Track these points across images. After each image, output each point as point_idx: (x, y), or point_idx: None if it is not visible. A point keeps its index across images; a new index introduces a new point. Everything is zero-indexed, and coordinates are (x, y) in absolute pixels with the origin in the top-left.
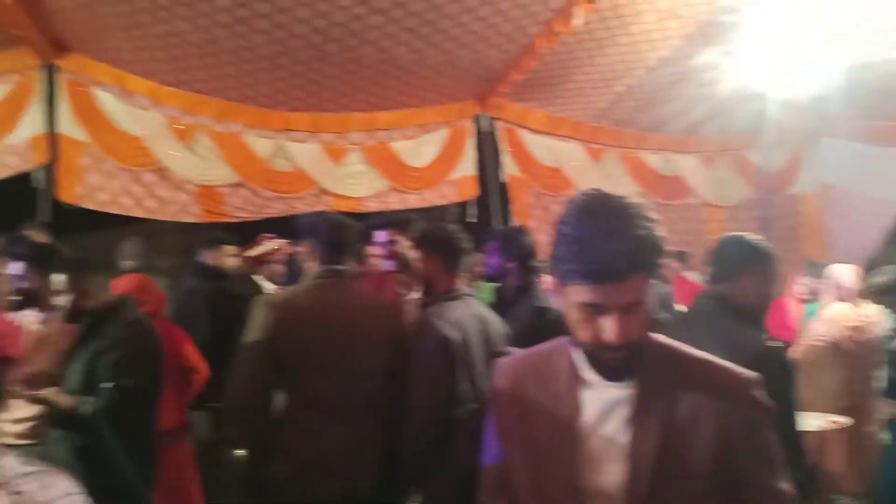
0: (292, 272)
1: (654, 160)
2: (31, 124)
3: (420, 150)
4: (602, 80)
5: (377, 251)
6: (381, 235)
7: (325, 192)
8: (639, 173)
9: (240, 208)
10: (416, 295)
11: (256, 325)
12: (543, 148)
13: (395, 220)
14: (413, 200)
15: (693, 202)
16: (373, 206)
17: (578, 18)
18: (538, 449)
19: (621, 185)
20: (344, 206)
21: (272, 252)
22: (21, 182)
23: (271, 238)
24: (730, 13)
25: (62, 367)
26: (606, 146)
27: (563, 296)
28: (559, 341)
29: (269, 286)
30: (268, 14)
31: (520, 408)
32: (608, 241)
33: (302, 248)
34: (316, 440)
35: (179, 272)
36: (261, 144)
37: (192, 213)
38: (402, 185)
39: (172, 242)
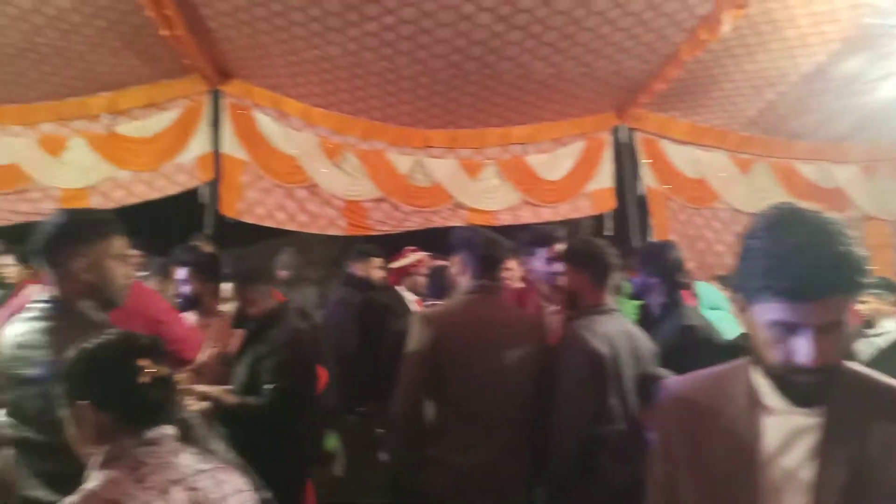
0: (433, 284)
1: (808, 170)
2: (198, 145)
3: (555, 163)
4: (752, 87)
5: (514, 266)
6: (539, 252)
7: (460, 205)
8: (792, 184)
9: (382, 222)
10: (556, 309)
11: (415, 338)
12: (686, 159)
13: (542, 235)
14: (546, 213)
15: (853, 215)
16: (506, 220)
17: (727, 25)
18: (710, 475)
19: (772, 197)
20: (478, 220)
21: (415, 264)
22: (189, 198)
23: (414, 251)
24: (889, 16)
25: (229, 368)
26: (756, 156)
27: (750, 314)
28: (735, 363)
29: (411, 297)
30: (411, 36)
31: (690, 431)
32: (807, 256)
33: (453, 262)
34: (469, 452)
35: (326, 282)
36: (402, 161)
37: (339, 227)
38: (535, 198)
39: (319, 253)
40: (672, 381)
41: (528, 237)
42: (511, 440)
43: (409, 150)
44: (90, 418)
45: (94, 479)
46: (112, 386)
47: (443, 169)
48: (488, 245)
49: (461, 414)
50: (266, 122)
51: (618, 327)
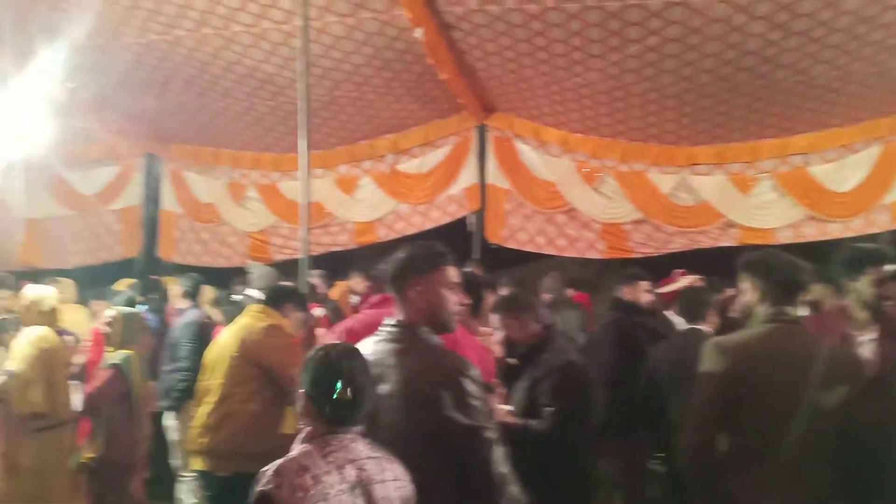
0: (687, 307)
1: None
2: (466, 177)
3: (844, 173)
4: None
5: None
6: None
7: (731, 224)
8: None
9: (642, 244)
10: (873, 337)
11: (709, 368)
12: None
13: (868, 254)
14: (835, 230)
15: None
16: (786, 238)
17: None
18: None
19: None
20: (752, 238)
21: (686, 288)
22: (458, 226)
23: (683, 274)
24: None
25: (507, 391)
26: None
27: None
28: None
29: (678, 321)
30: (677, 54)
31: None
32: None
33: (744, 288)
34: (766, 492)
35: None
36: (664, 180)
37: (598, 250)
38: (823, 212)
39: (574, 276)
40: None
41: (848, 255)
42: (816, 484)
43: (672, 168)
44: (306, 406)
45: (296, 449)
46: (324, 392)
47: (710, 186)
48: (789, 269)
49: (754, 449)
50: (526, 151)
51: None
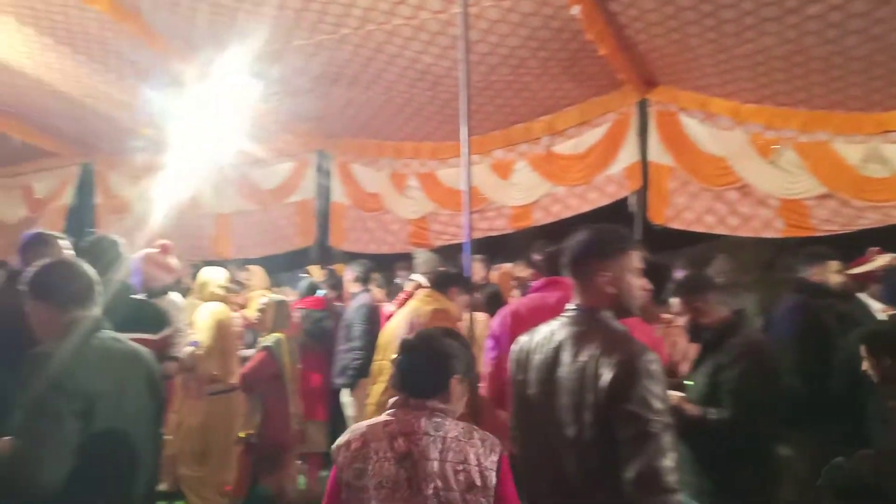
0: (890, 289)
1: None
2: (626, 155)
3: None
4: None
5: None
6: None
7: None
8: None
9: (827, 221)
10: None
11: None
12: None
13: None
14: None
15: None
16: None
17: None
18: None
19: None
20: None
21: (885, 268)
22: (618, 207)
23: (879, 252)
24: None
25: (685, 377)
26: None
27: None
28: None
29: (875, 305)
30: (865, 12)
31: None
32: None
33: None
34: None
35: (759, 288)
36: (850, 151)
37: (775, 229)
38: None
39: (750, 258)
40: None
41: None
42: None
43: (861, 137)
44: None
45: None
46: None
47: None
48: None
49: None
50: (692, 125)
51: None
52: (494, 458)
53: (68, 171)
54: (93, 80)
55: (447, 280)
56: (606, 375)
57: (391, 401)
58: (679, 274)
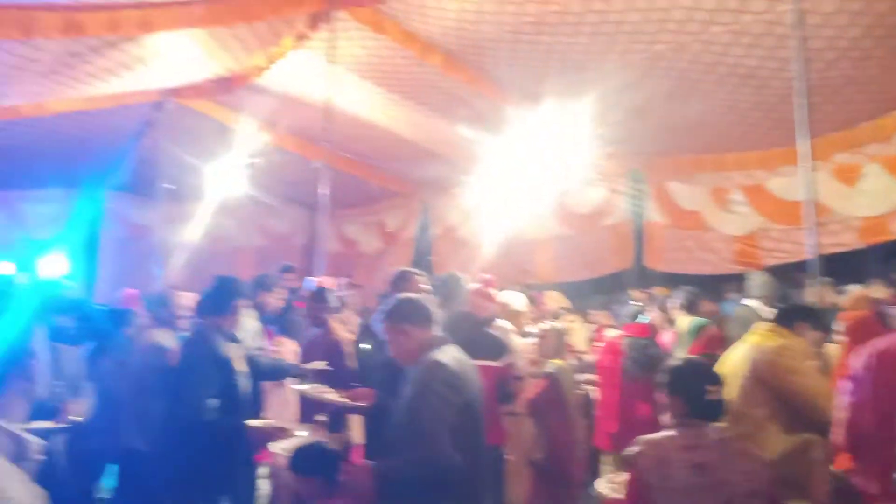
0: None
1: None
2: None
3: None
4: None
5: None
6: None
7: None
8: None
9: None
10: None
11: None
12: None
13: None
14: None
15: None
16: None
17: None
18: None
19: None
20: None
21: None
22: None
23: None
24: None
25: None
26: None
27: None
28: None
29: None
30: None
31: None
32: None
33: None
34: None
35: None
36: None
37: None
38: None
39: None
40: None
41: None
42: None
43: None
44: (672, 403)
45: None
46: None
47: None
48: None
49: None
50: None
51: None
52: None
53: (412, 207)
54: (431, 126)
55: (793, 314)
56: None
57: (674, 420)
58: None
